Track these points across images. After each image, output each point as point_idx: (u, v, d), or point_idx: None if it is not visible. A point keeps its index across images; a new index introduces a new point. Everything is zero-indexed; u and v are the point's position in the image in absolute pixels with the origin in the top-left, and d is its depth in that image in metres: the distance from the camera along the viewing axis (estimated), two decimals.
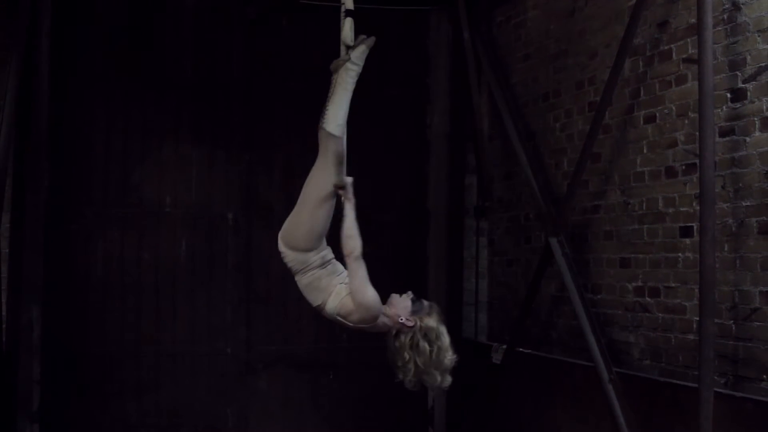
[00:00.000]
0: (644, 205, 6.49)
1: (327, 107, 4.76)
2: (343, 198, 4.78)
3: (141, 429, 8.14)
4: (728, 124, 5.67)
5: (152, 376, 8.21)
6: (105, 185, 8.18)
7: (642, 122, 6.53)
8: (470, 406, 8.54)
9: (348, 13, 4.96)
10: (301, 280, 4.89)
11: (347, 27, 4.99)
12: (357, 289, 4.63)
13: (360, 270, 4.62)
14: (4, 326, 7.20)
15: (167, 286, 8.29)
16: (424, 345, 4.59)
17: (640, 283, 6.53)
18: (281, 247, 4.93)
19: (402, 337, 4.64)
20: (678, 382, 5.96)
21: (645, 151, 6.49)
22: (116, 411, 8.08)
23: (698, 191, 5.64)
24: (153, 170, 8.30)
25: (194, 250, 8.39)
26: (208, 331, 8.41)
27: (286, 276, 8.72)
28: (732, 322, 5.63)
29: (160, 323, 8.26)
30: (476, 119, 8.73)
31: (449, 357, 4.63)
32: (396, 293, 4.76)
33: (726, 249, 5.67)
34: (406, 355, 4.60)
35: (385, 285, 4.91)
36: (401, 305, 4.69)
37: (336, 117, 4.75)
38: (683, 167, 6.09)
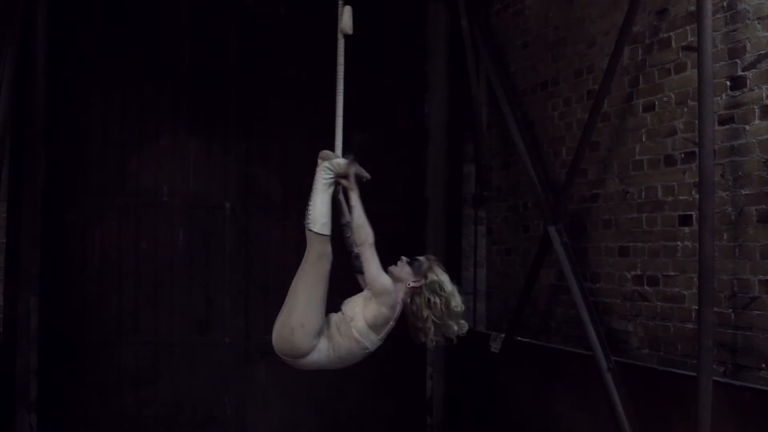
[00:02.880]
0: (643, 193, 6.46)
1: (308, 205, 4.89)
2: (347, 188, 4.86)
3: (139, 418, 8.14)
4: (727, 112, 5.64)
5: (150, 365, 8.20)
6: (102, 174, 8.16)
7: (641, 110, 6.50)
8: (469, 395, 8.54)
9: (347, 1, 4.94)
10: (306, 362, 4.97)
11: (346, 16, 4.97)
12: (374, 277, 4.74)
13: (374, 257, 4.75)
14: (1, 316, 7.17)
15: (165, 275, 8.27)
16: (435, 299, 4.79)
17: (638, 272, 6.51)
18: (277, 352, 5.00)
19: (417, 299, 4.81)
20: (677, 371, 5.94)
21: (644, 139, 6.46)
22: (114, 401, 8.08)
23: (697, 180, 5.61)
24: (150, 159, 8.28)
25: (192, 239, 8.37)
26: (206, 320, 8.40)
27: (284, 265, 8.78)
28: (731, 310, 5.61)
29: (157, 313, 8.25)
30: (474, 108, 8.70)
31: (458, 302, 4.87)
32: (390, 265, 4.85)
33: (725, 237, 5.65)
34: (425, 314, 4.80)
35: None
36: (403, 273, 4.84)
37: (318, 216, 4.85)
38: (682, 155, 6.06)
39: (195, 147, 8.38)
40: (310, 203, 4.86)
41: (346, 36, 5.06)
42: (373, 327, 4.80)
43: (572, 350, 7.11)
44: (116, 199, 8.18)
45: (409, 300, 4.83)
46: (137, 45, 8.26)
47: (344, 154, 5.01)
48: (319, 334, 4.82)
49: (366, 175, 5.00)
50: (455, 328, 4.89)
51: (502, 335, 7.99)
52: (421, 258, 4.93)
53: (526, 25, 8.11)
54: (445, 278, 4.90)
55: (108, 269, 8.14)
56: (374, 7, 8.65)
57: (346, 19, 4.99)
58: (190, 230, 8.39)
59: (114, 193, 8.18)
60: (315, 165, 4.97)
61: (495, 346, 8.06)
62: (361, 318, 4.80)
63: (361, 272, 4.94)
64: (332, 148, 5.02)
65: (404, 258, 4.90)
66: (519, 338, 7.84)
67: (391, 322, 4.83)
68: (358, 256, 4.96)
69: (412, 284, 4.80)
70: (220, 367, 8.41)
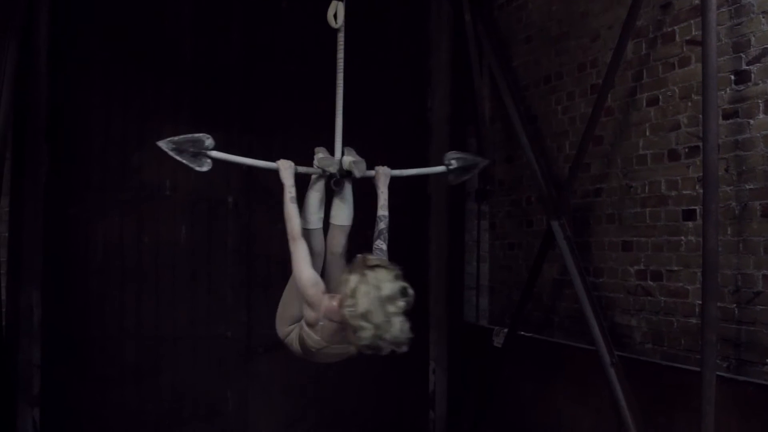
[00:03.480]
0: (647, 188, 6.45)
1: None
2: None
3: (142, 413, 8.14)
4: (732, 106, 5.62)
5: (153, 360, 8.20)
6: (104, 169, 8.15)
7: (645, 105, 6.48)
8: (471, 390, 8.54)
9: None
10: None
11: (332, 8, 4.99)
12: (294, 269, 4.73)
13: (296, 251, 4.71)
14: (3, 310, 7.17)
15: (167, 270, 8.27)
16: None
17: (642, 267, 6.50)
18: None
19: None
20: (680, 365, 5.94)
21: (647, 133, 6.44)
22: (117, 395, 8.08)
23: (701, 174, 5.60)
24: (152, 154, 8.19)
25: (194, 233, 8.37)
26: (209, 315, 8.39)
27: (286, 260, 8.74)
28: (735, 305, 5.60)
29: (160, 307, 8.24)
30: (477, 102, 8.69)
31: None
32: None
33: (729, 232, 5.63)
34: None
35: None
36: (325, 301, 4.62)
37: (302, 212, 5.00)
38: (686, 150, 6.04)
39: None
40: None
41: (341, 29, 5.08)
42: (308, 323, 4.80)
43: (575, 345, 7.10)
44: (118, 194, 8.17)
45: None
46: (139, 41, 8.23)
47: (344, 149, 5.03)
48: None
49: (357, 173, 5.03)
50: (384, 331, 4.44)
51: (505, 330, 7.98)
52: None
53: (529, 19, 8.09)
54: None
55: (110, 263, 8.13)
56: (377, 1, 8.63)
57: (331, 11, 5.01)
58: (193, 225, 8.37)
59: (116, 188, 8.17)
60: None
61: (498, 341, 8.06)
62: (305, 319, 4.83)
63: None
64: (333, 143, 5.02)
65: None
66: (522, 333, 7.84)
67: (322, 322, 4.62)
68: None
69: (335, 305, 4.52)
70: (222, 361, 8.41)
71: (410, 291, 4.48)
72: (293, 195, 4.85)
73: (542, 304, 7.79)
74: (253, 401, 8.49)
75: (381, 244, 4.98)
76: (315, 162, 4.97)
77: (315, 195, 4.98)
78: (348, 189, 5.16)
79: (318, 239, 4.97)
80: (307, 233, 4.85)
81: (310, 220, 4.95)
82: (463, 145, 8.90)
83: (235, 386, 8.45)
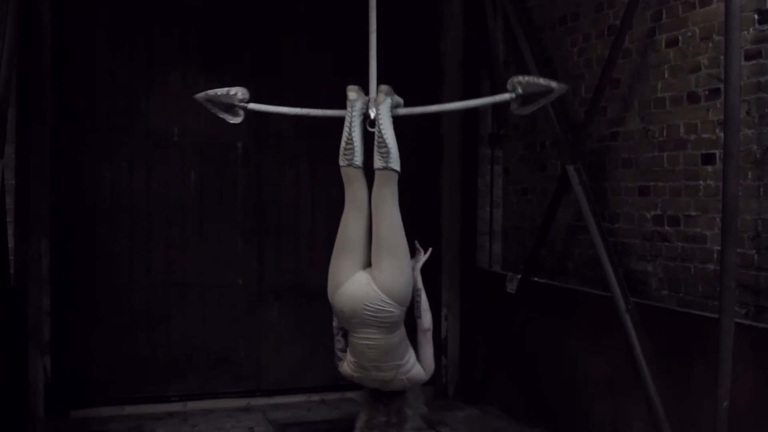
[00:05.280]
0: (665, 131, 6.31)
1: (381, 145, 4.47)
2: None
3: (152, 360, 8.14)
4: (755, 47, 5.46)
5: (163, 307, 8.18)
6: (111, 115, 8.05)
7: (663, 46, 6.32)
8: (484, 336, 8.49)
9: None
10: (393, 339, 4.57)
11: None
12: (427, 367, 4.72)
13: (430, 346, 4.75)
14: (12, 259, 7.12)
15: (176, 216, 8.20)
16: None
17: (659, 212, 6.39)
18: (389, 305, 4.45)
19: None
20: (697, 312, 5.85)
21: (666, 76, 6.29)
22: (127, 342, 8.07)
23: (721, 117, 5.49)
24: (160, 99, 8.15)
25: (203, 180, 8.29)
26: (219, 262, 8.35)
27: (297, 206, 8.70)
28: (754, 251, 5.50)
29: (169, 254, 8.19)
30: (491, 45, 8.50)
31: None
32: None
33: (749, 177, 5.51)
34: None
35: None
36: None
37: (396, 151, 4.48)
38: (706, 92, 5.89)
39: (205, 86, 8.07)
40: (382, 141, 4.43)
41: None
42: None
43: (590, 291, 7.02)
44: (126, 140, 8.08)
45: None
46: None
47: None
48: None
49: (400, 100, 4.80)
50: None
51: (519, 276, 7.91)
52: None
53: None
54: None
55: (119, 210, 8.06)
56: None
57: None
58: (202, 171, 8.29)
59: (124, 134, 8.07)
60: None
61: (511, 287, 7.99)
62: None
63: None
64: (344, 84, 4.84)
65: None
66: (535, 279, 7.76)
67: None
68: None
69: None
70: (233, 308, 8.38)
71: None
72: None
73: (556, 250, 7.69)
74: (264, 349, 8.47)
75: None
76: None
77: (358, 127, 4.58)
78: (387, 131, 4.66)
79: (360, 181, 4.57)
80: (354, 172, 4.51)
81: (357, 154, 4.51)
82: (477, 89, 8.73)
83: (245, 333, 8.43)
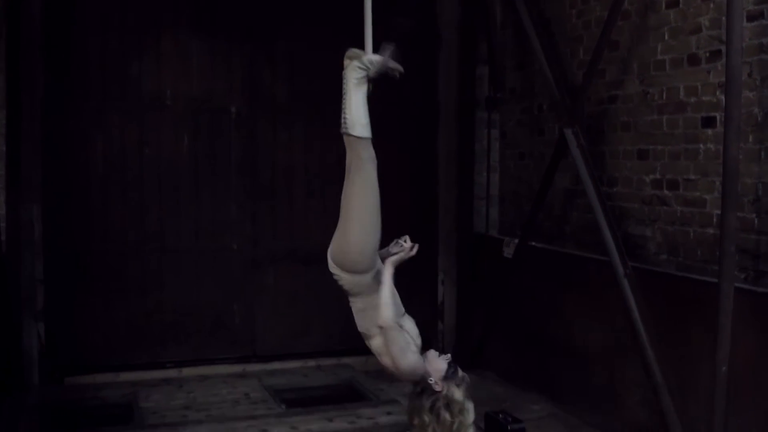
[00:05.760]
0: (664, 94, 6.23)
1: (343, 109, 4.40)
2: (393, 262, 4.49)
3: (147, 326, 8.09)
4: (756, 7, 5.38)
5: (157, 273, 8.12)
6: (102, 80, 7.92)
7: (663, 7, 6.22)
8: (481, 301, 8.46)
9: None
10: (356, 304, 4.55)
11: None
12: (396, 357, 4.36)
13: (398, 339, 4.37)
14: (3, 225, 7.05)
15: (170, 181, 8.12)
16: (445, 415, 4.30)
17: (658, 176, 6.32)
18: (333, 269, 4.49)
19: (424, 398, 4.35)
20: (696, 277, 5.81)
21: (666, 37, 6.19)
22: (121, 308, 8.01)
23: (722, 79, 5.42)
24: (151, 63, 8.03)
25: (196, 144, 8.19)
26: (213, 227, 8.28)
27: (292, 169, 8.62)
28: (754, 215, 5.45)
29: (163, 219, 8.12)
30: (488, 7, 8.41)
31: None
32: (434, 350, 4.48)
33: (750, 140, 5.44)
34: (426, 419, 4.32)
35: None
36: (435, 365, 4.38)
37: (357, 118, 4.37)
38: (707, 54, 5.81)
39: (198, 49, 8.12)
40: (345, 106, 4.40)
41: None
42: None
43: (588, 256, 6.98)
44: (118, 104, 7.96)
45: (417, 390, 4.38)
46: None
47: (379, 49, 4.71)
48: (374, 262, 4.47)
49: (399, 68, 4.69)
50: None
51: (516, 240, 7.86)
52: (460, 372, 4.39)
53: None
54: (469, 406, 4.35)
55: (112, 176, 7.97)
56: None
57: None
58: (195, 135, 8.19)
59: (116, 98, 7.95)
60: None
61: (508, 252, 7.95)
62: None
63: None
64: (342, 51, 4.74)
65: (449, 356, 4.45)
66: (532, 243, 7.71)
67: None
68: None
69: (432, 382, 4.32)
70: (228, 274, 8.32)
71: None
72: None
73: (554, 214, 7.64)
74: (259, 314, 8.43)
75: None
76: (358, 63, 4.56)
77: (362, 98, 4.55)
78: (347, 95, 4.72)
79: (372, 149, 4.56)
80: (368, 143, 4.48)
81: (368, 127, 4.49)
82: (474, 52, 8.64)
83: (241, 299, 8.38)
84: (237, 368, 8.30)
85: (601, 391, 6.70)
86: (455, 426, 4.31)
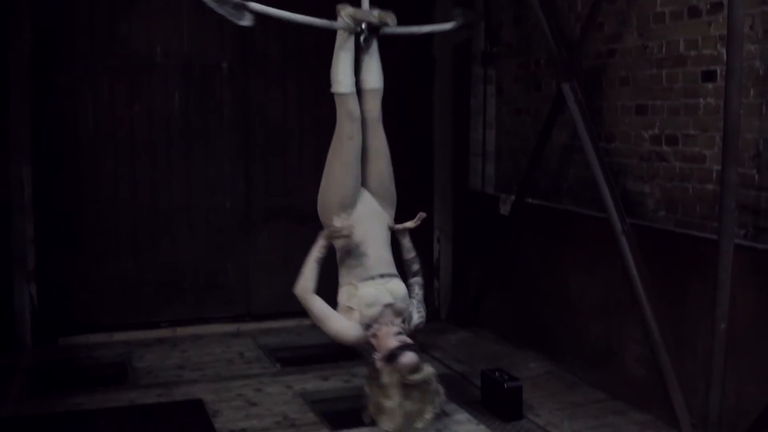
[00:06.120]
0: (664, 48, 6.11)
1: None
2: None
3: (140, 285, 8.05)
4: None
5: (149, 232, 8.06)
6: (91, 37, 7.79)
7: None
8: (476, 259, 8.40)
9: None
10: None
11: None
12: (318, 323, 4.61)
13: (317, 307, 4.56)
14: None
15: (161, 140, 8.02)
16: (368, 391, 4.41)
17: (657, 131, 6.23)
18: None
19: (369, 368, 4.50)
20: (695, 233, 5.74)
21: None
22: (114, 268, 7.97)
23: (723, 32, 5.30)
24: (141, 19, 7.91)
25: (188, 102, 8.08)
26: (206, 185, 8.20)
27: (285, 127, 8.52)
28: (755, 171, 5.36)
29: (155, 178, 8.04)
30: None
31: (386, 422, 4.33)
32: (396, 329, 4.51)
33: (752, 94, 5.34)
34: (367, 389, 4.45)
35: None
36: (382, 342, 4.44)
37: (335, 75, 4.61)
38: (708, 6, 5.68)
39: (188, 5, 7.97)
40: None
41: None
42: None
43: (585, 212, 6.91)
44: (107, 62, 7.84)
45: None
46: None
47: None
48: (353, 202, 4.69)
49: (390, 22, 4.70)
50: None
51: (512, 197, 7.78)
52: (408, 358, 4.31)
53: None
54: (396, 397, 4.27)
55: (102, 135, 7.87)
56: None
57: None
58: (186, 92, 8.08)
59: (104, 56, 7.83)
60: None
61: (504, 209, 7.87)
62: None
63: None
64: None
65: (406, 340, 4.46)
66: (529, 200, 7.64)
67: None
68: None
69: (375, 356, 4.42)
70: (221, 232, 8.26)
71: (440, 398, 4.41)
72: (321, 256, 4.69)
73: (551, 170, 7.55)
74: (252, 271, 8.37)
75: (418, 291, 4.92)
76: (345, 17, 4.58)
77: (346, 55, 4.62)
78: (375, 49, 4.79)
79: (355, 104, 4.65)
80: (345, 99, 4.58)
81: (344, 83, 4.61)
82: (470, 6, 8.48)
83: (234, 257, 8.32)
84: (231, 327, 8.27)
85: (599, 349, 6.66)
86: (373, 405, 4.37)
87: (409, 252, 5.00)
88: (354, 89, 4.67)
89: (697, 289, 5.59)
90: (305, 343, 7.94)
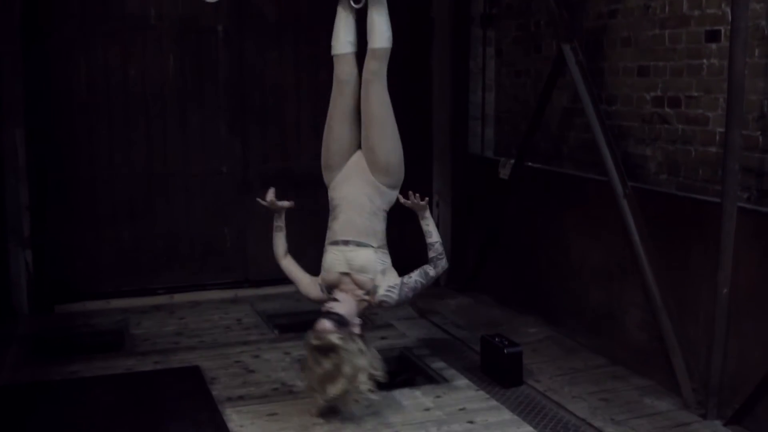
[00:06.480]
0: (666, 8, 5.99)
1: None
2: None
3: (136, 251, 7.98)
4: None
5: (146, 198, 7.98)
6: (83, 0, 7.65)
7: None
8: (476, 223, 8.34)
9: None
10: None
11: None
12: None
13: (284, 271, 5.42)
14: None
15: (156, 104, 7.91)
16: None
17: (659, 93, 6.13)
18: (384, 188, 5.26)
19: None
20: (698, 196, 5.66)
21: None
22: (110, 235, 7.89)
23: None
24: None
25: (183, 65, 7.95)
26: (202, 150, 8.10)
27: (281, 90, 8.42)
28: (759, 133, 5.28)
29: (150, 143, 7.94)
30: None
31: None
32: (347, 296, 5.11)
33: (756, 54, 5.24)
34: None
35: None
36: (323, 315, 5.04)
37: (333, 36, 4.84)
38: None
39: None
40: None
41: None
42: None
43: (586, 176, 6.83)
44: (100, 25, 7.70)
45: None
46: None
47: None
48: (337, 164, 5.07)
49: None
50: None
51: (512, 161, 7.70)
52: (318, 341, 4.87)
53: None
54: (309, 365, 4.94)
55: (96, 99, 7.75)
56: None
57: None
58: (181, 55, 7.95)
59: (98, 19, 7.69)
60: None
61: (504, 173, 7.79)
62: None
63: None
64: None
65: (335, 315, 4.94)
66: (529, 164, 7.56)
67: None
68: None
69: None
70: (218, 197, 8.18)
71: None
72: (278, 224, 5.57)
73: (551, 134, 7.46)
74: (250, 236, 8.28)
75: (416, 276, 5.35)
76: None
77: (342, 15, 4.58)
78: (381, 7, 4.68)
79: (347, 66, 4.63)
80: (335, 60, 4.64)
81: (335, 45, 4.63)
82: None
83: (231, 222, 8.25)
84: (229, 294, 8.22)
85: (600, 314, 6.61)
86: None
87: (428, 236, 5.24)
88: (347, 50, 4.67)
89: (699, 253, 5.53)
90: (303, 309, 7.84)
